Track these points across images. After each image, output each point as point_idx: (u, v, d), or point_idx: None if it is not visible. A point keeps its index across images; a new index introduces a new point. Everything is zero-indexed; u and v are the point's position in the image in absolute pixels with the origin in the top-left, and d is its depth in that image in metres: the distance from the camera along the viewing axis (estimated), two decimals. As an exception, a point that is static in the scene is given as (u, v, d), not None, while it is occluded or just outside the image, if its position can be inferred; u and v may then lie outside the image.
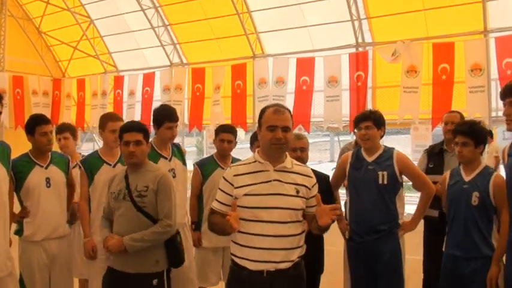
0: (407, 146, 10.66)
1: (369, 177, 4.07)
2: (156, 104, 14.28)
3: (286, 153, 3.09)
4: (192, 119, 13.83)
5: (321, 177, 3.91)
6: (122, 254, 3.51)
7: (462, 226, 3.73)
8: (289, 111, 3.06)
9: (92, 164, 4.39)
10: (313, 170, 3.66)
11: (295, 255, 2.98)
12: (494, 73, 10.23)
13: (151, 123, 4.61)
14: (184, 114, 14.03)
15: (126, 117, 12.85)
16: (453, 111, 5.34)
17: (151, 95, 14.45)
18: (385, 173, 4.02)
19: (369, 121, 4.11)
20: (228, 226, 2.80)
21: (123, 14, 15.06)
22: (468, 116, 9.53)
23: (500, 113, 9.74)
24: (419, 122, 10.61)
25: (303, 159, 3.95)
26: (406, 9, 11.39)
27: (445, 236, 4.24)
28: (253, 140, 5.15)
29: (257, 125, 3.09)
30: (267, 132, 2.97)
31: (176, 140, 4.87)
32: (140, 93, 14.65)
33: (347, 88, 11.61)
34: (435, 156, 5.00)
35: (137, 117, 14.48)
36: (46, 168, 4.31)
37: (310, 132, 12.27)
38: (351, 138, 13.16)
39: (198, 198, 4.89)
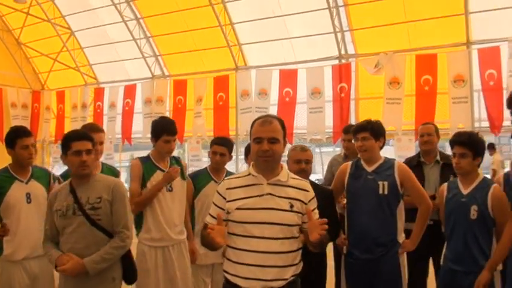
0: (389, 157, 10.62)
1: (368, 187, 3.98)
2: (137, 117, 14.29)
3: (284, 165, 3.00)
4: (174, 131, 13.64)
5: (323, 192, 3.88)
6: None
7: (461, 240, 3.67)
8: (280, 121, 2.95)
9: None
10: (316, 185, 3.71)
11: (289, 273, 2.86)
12: (476, 84, 10.26)
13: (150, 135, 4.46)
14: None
15: (107, 130, 12.67)
16: (427, 123, 5.28)
17: (132, 107, 14.25)
18: (385, 183, 3.94)
19: (365, 132, 4.03)
20: (210, 239, 2.71)
21: (104, 25, 14.88)
22: (451, 126, 9.75)
23: (484, 124, 9.96)
24: (403, 133, 10.58)
25: (307, 172, 3.86)
26: (388, 21, 11.40)
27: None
28: (247, 152, 5.05)
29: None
30: (253, 145, 2.89)
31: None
32: (121, 106, 14.42)
33: (330, 100, 11.57)
34: (413, 168, 4.85)
35: (118, 130, 14.33)
36: (27, 183, 4.14)
37: (293, 143, 12.19)
38: (332, 150, 13.14)
39: (190, 211, 4.77)
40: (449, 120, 10.11)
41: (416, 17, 11.11)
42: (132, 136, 14.45)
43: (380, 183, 3.94)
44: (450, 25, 10.93)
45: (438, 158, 4.91)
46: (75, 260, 3.28)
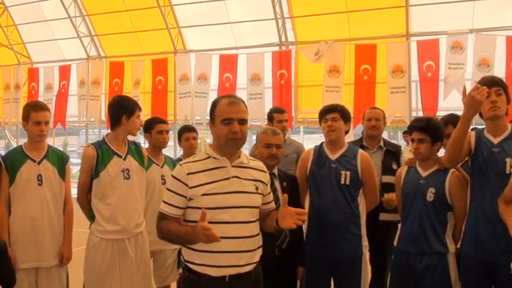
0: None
1: (330, 176, 3.88)
2: (72, 99, 13.73)
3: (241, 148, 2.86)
4: (110, 115, 13.23)
5: (290, 178, 3.88)
6: None
7: (416, 222, 3.66)
8: (244, 103, 2.82)
9: (14, 160, 3.84)
10: (281, 171, 3.76)
11: (257, 256, 2.79)
12: (414, 75, 10.50)
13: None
14: (101, 110, 13.49)
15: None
16: (376, 108, 5.18)
17: (67, 89, 13.79)
18: (348, 173, 3.86)
19: (336, 113, 3.93)
20: (204, 239, 2.50)
21: (39, 1, 14.18)
22: (389, 115, 9.86)
23: (421, 113, 10.17)
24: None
25: (277, 157, 3.74)
26: (329, 10, 11.42)
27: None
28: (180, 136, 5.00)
29: (209, 119, 2.80)
30: (222, 126, 2.70)
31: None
32: (57, 87, 13.94)
33: (270, 86, 11.59)
34: None
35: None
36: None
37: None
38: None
39: None
40: (387, 109, 10.21)
41: (357, 7, 11.17)
42: (66, 120, 13.99)
43: (343, 173, 3.87)
44: (390, 16, 11.05)
45: (382, 144, 4.81)
46: None
